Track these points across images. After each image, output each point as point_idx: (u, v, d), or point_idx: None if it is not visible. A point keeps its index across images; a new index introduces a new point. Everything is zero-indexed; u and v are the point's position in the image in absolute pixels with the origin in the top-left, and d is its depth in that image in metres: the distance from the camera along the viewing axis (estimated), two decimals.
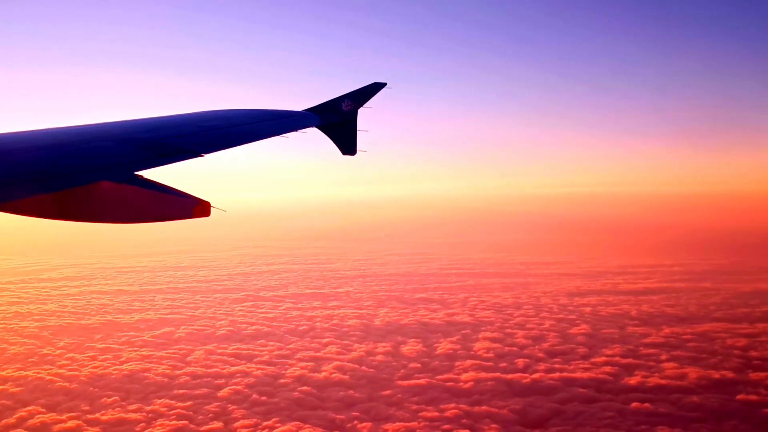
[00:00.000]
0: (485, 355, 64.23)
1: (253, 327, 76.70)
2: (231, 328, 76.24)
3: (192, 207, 7.11)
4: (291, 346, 68.47)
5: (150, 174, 7.54)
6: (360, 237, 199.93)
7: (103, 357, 65.22)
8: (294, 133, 12.13)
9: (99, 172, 7.34)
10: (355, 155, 14.46)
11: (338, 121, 13.97)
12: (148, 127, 10.21)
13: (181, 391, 54.71)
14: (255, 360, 63.46)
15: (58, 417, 49.69)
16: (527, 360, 62.16)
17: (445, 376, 58.21)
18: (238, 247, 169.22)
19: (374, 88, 14.13)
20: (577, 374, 57.78)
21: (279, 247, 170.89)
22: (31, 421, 48.98)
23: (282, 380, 57.43)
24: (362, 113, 14.16)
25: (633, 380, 55.90)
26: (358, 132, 14.20)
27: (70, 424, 48.39)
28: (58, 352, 67.23)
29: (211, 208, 7.17)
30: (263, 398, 53.05)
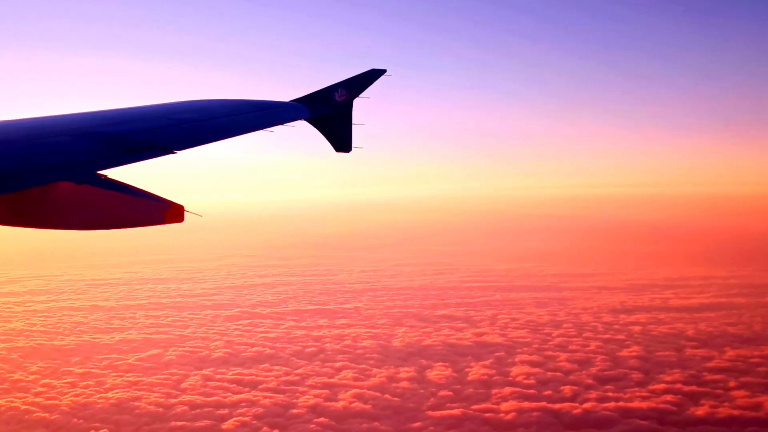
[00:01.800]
0: (525, 381, 64.21)
1: (254, 349, 76.64)
2: (228, 350, 76.18)
3: (163, 211, 7.02)
4: (299, 370, 68.40)
5: (115, 173, 7.45)
6: (363, 245, 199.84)
7: (85, 383, 65.10)
8: (280, 127, 12.02)
9: (56, 172, 7.21)
10: (351, 152, 14.44)
11: (331, 113, 13.94)
12: (113, 119, 10.10)
13: (180, 423, 54.66)
14: (260, 387, 63.40)
15: None
16: (575, 387, 62.14)
17: (482, 405, 58.19)
18: (224, 257, 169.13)
19: (372, 76, 14.05)
20: (635, 404, 57.76)
21: (270, 256, 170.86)
22: None
23: (294, 410, 57.38)
24: (358, 104, 14.06)
25: (700, 411, 55.86)
26: (353, 126, 14.17)
27: None
28: (32, 377, 67.10)
29: (186, 213, 7.08)
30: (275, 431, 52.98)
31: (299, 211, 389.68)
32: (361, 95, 14.03)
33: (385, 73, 14.19)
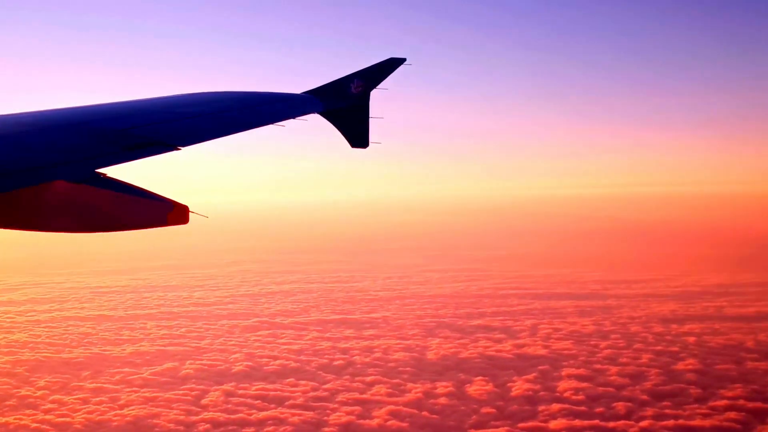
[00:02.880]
0: (574, 397, 63.91)
1: (277, 362, 76.58)
2: (249, 363, 76.12)
3: (166, 212, 6.96)
4: (328, 385, 68.29)
5: (114, 171, 7.41)
6: (385, 248, 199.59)
7: (97, 399, 65.19)
8: (291, 121, 12.05)
9: (51, 170, 7.20)
10: (367, 148, 14.44)
11: (346, 106, 13.95)
12: (113, 113, 10.13)
13: None
14: (287, 403, 63.34)
15: None
16: (628, 403, 61.86)
17: (530, 423, 58.00)
18: (235, 262, 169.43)
19: (390, 65, 14.05)
20: (696, 421, 57.39)
21: (286, 261, 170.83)
22: None
23: (326, 429, 57.42)
24: (375, 96, 14.06)
25: None
26: (370, 119, 14.18)
27: None
28: (40, 393, 67.23)
29: (190, 214, 7.04)
30: None
31: (313, 213, 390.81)
32: (378, 86, 14.01)
33: (405, 63, 14.14)
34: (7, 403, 64.60)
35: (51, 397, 65.93)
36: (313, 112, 13.21)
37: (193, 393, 66.34)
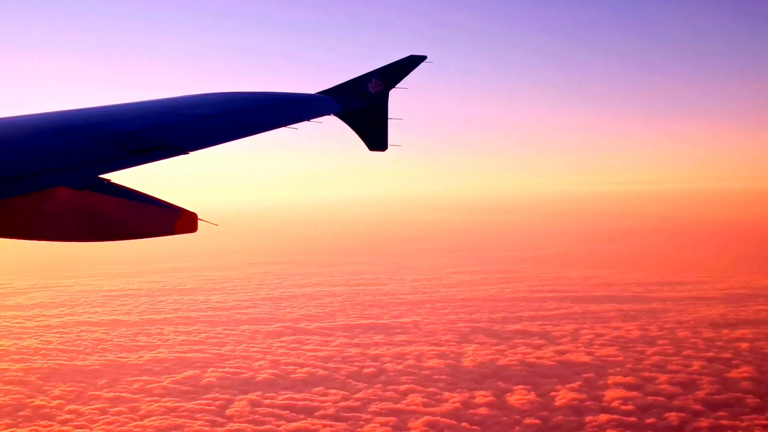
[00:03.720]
0: (623, 407, 63.54)
1: (303, 369, 76.53)
2: (274, 371, 76.10)
3: (174, 220, 6.99)
4: (359, 394, 68.19)
5: (119, 177, 7.41)
6: (410, 249, 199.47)
7: (116, 409, 65.39)
8: (305, 123, 12.02)
9: (52, 176, 7.20)
10: (386, 151, 14.49)
11: (363, 106, 13.94)
12: (117, 116, 10.19)
13: None
14: (317, 414, 63.30)
15: None
16: (681, 414, 61.46)
17: None
18: (253, 264, 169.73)
19: (410, 63, 14.00)
20: None
21: (306, 263, 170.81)
22: None
23: None
24: (395, 96, 14.01)
25: None
26: (389, 121, 14.17)
27: None
28: (55, 403, 67.46)
29: (199, 221, 7.05)
30: None
31: (331, 213, 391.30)
32: (397, 86, 13.99)
33: (426, 60, 14.05)
34: (22, 413, 64.81)
35: (67, 407, 66.13)
36: (329, 114, 13.19)
37: (217, 403, 66.37)
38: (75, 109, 10.64)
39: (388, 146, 14.37)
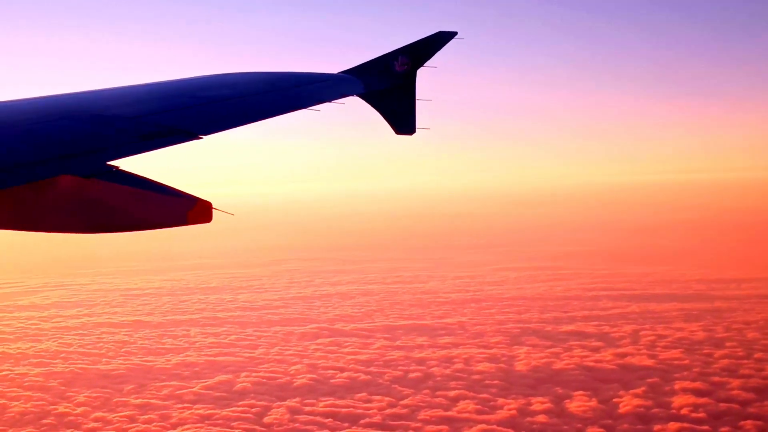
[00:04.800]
0: (693, 414, 63.10)
1: (344, 374, 76.55)
2: (313, 376, 76.16)
3: (187, 209, 6.96)
4: (406, 401, 68.12)
5: (128, 164, 7.38)
6: (447, 244, 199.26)
7: (146, 417, 65.66)
8: (327, 105, 11.95)
9: (56, 163, 7.20)
10: (414, 134, 14.40)
11: (389, 87, 13.86)
12: (125, 98, 10.24)
13: None
14: (362, 422, 63.29)
15: None
16: (758, 422, 61.05)
17: None
18: (280, 260, 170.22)
19: (440, 40, 13.85)
20: None
21: (337, 259, 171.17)
22: None
23: None
24: (423, 75, 13.88)
25: None
26: (417, 102, 14.08)
27: None
28: (80, 410, 67.83)
29: (214, 211, 7.01)
30: None
31: (359, 206, 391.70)
32: (426, 64, 13.86)
33: (456, 37, 13.93)
34: (45, 421, 65.23)
35: (93, 415, 66.48)
36: (352, 95, 13.16)
37: (254, 410, 66.49)
38: (80, 92, 10.71)
39: (416, 129, 14.30)
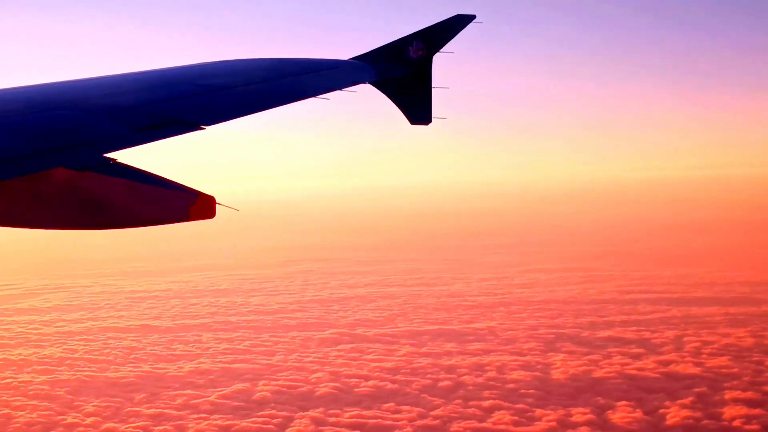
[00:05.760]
0: (747, 427, 62.91)
1: (369, 383, 76.38)
2: (336, 384, 76.00)
3: (188, 204, 7.00)
4: (437, 411, 67.96)
5: (126, 156, 7.42)
6: (467, 244, 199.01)
7: (161, 428, 65.72)
8: (338, 93, 12.03)
9: (50, 156, 7.19)
10: (430, 124, 14.44)
11: (404, 74, 13.94)
12: (123, 87, 10.29)
13: None
14: None
15: None
16: None
17: None
18: (292, 261, 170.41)
19: (457, 24, 13.92)
20: None
21: (352, 260, 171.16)
22: None
23: None
24: (439, 61, 13.95)
25: None
26: (433, 90, 14.17)
27: None
28: (90, 420, 67.83)
29: (217, 206, 7.06)
30: None
31: (372, 202, 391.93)
32: (442, 50, 13.95)
33: (474, 21, 13.95)
34: None
35: (104, 426, 66.52)
36: (364, 82, 13.17)
37: (275, 420, 66.43)
38: (74, 80, 10.68)
39: (432, 119, 14.30)
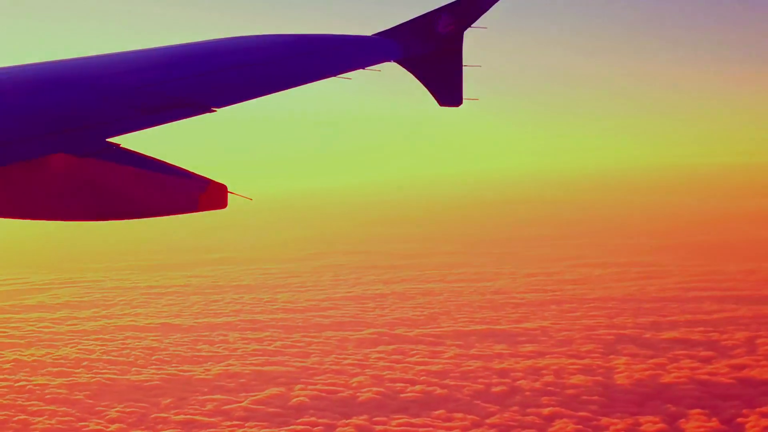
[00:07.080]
0: None
1: (416, 387, 76.30)
2: (379, 389, 75.93)
3: (198, 193, 6.93)
4: (493, 419, 67.82)
5: (131, 141, 7.41)
6: (508, 236, 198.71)
7: None
8: (361, 72, 12.04)
9: (49, 140, 7.22)
10: (461, 106, 14.40)
11: (432, 51, 13.82)
12: (129, 65, 10.32)
13: None
14: None
15: None
16: None
17: None
18: (319, 254, 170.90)
19: None
20: None
21: (386, 253, 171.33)
22: None
23: None
24: (470, 37, 13.82)
25: None
26: (464, 68, 14.10)
27: None
28: (114, 427, 68.09)
29: (229, 195, 7.00)
30: None
31: (401, 190, 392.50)
32: (474, 25, 13.71)
33: None
34: None
35: None
36: (390, 60, 13.20)
37: (316, 428, 66.57)
38: (76, 58, 10.73)
39: (463, 100, 14.25)
